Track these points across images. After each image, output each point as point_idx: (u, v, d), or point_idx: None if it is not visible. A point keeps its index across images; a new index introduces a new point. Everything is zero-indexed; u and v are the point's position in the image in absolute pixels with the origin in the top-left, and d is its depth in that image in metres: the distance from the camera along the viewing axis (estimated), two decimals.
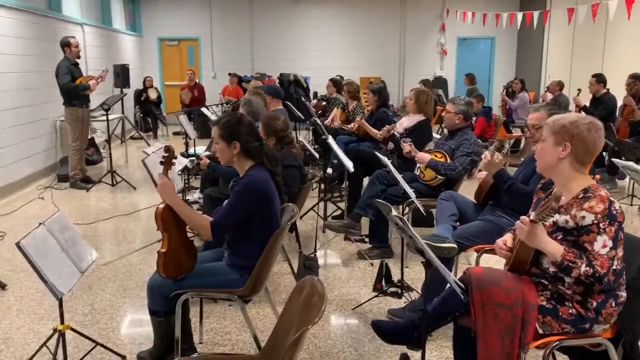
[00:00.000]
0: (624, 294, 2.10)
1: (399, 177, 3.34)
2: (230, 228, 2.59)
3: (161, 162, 2.65)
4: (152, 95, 11.47)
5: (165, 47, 13.54)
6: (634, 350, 2.14)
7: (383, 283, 3.75)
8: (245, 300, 2.63)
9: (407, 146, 4.46)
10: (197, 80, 12.07)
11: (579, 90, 7.51)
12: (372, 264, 4.26)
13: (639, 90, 6.20)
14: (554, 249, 2.00)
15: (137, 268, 4.26)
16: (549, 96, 8.84)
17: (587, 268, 1.96)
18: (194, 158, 4.50)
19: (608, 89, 6.94)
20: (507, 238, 2.37)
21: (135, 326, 3.34)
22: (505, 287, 2.10)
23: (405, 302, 3.52)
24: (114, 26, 11.13)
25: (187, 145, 6.76)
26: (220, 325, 3.31)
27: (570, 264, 1.98)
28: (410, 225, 2.08)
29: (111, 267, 4.22)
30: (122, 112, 9.67)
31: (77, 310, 3.50)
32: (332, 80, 8.56)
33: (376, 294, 3.68)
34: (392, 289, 3.70)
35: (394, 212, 2.23)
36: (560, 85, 8.87)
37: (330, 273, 4.09)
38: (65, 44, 6.57)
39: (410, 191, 3.30)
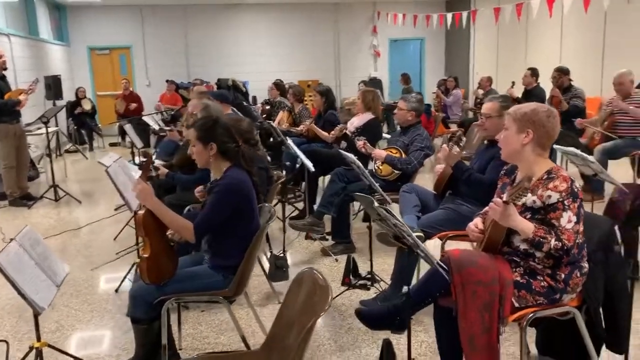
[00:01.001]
0: (586, 265, 2.31)
1: (365, 172, 3.47)
2: (213, 229, 2.61)
3: (140, 167, 2.64)
4: (86, 106, 11.08)
5: (95, 57, 13.09)
6: (597, 315, 2.37)
7: (351, 277, 3.87)
8: (230, 301, 2.66)
9: (361, 144, 4.61)
10: (131, 89, 11.76)
11: (513, 82, 7.98)
12: (337, 260, 4.37)
13: (563, 82, 6.67)
14: (526, 226, 2.19)
15: (99, 281, 4.16)
16: (481, 92, 9.32)
17: (556, 242, 2.15)
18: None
19: (538, 82, 7.44)
20: (477, 221, 2.55)
21: (109, 339, 3.28)
22: (482, 265, 2.26)
23: (375, 293, 3.66)
24: (41, 36, 10.66)
25: (133, 155, 6.63)
26: (196, 331, 3.31)
27: (541, 239, 2.16)
28: (395, 213, 2.20)
29: (72, 283, 4.09)
30: (56, 125, 9.29)
31: (44, 328, 3.37)
32: (275, 84, 8.63)
33: (345, 287, 3.79)
34: (361, 282, 3.82)
35: (376, 204, 2.34)
36: (490, 80, 9.38)
37: (299, 271, 4.15)
38: None
39: (376, 185, 3.44)
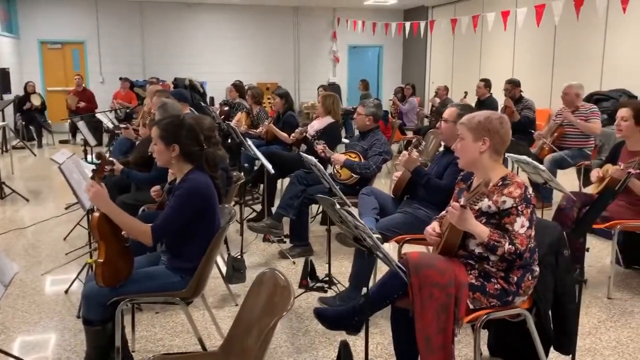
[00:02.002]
0: (537, 268, 2.41)
1: (326, 175, 3.49)
2: (173, 232, 2.56)
3: (94, 170, 2.56)
4: (36, 101, 10.68)
5: (47, 51, 12.63)
6: (547, 317, 2.47)
7: (309, 279, 3.88)
8: (187, 302, 2.62)
9: (321, 147, 4.65)
10: (84, 86, 11.42)
11: (466, 92, 8.20)
12: (294, 262, 4.37)
13: (515, 94, 6.91)
14: (481, 230, 2.26)
15: (48, 282, 4.01)
16: (437, 100, 9.54)
17: (510, 246, 2.23)
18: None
19: (491, 93, 7.68)
20: (435, 225, 2.61)
21: (58, 341, 3.16)
22: (439, 268, 2.32)
23: (332, 296, 3.68)
24: None
25: (86, 152, 6.44)
26: (150, 333, 3.24)
27: (495, 243, 2.24)
28: (356, 216, 2.23)
29: (18, 284, 3.93)
30: (3, 120, 8.92)
31: None
32: (234, 85, 8.56)
33: (303, 290, 3.80)
34: (319, 284, 3.83)
35: (337, 206, 2.36)
36: (447, 89, 9.61)
37: (255, 274, 4.10)
38: None
39: (336, 188, 3.46)
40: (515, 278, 2.34)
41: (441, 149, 3.74)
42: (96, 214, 2.47)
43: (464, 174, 2.67)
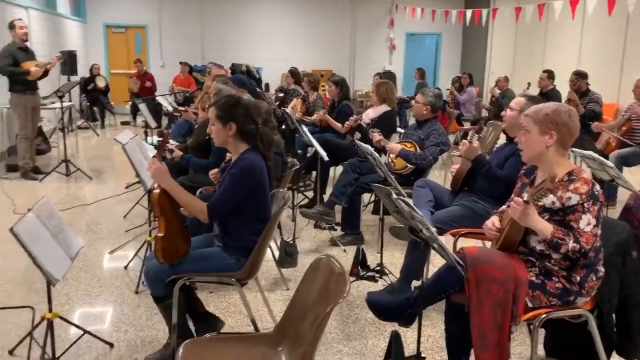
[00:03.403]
0: (602, 269, 2.30)
1: (382, 165, 3.45)
2: (227, 210, 2.60)
3: (156, 147, 2.63)
4: (100, 83, 11.09)
5: (111, 34, 13.08)
6: (610, 320, 2.36)
7: (360, 268, 3.87)
8: (241, 283, 2.67)
9: (376, 136, 4.59)
10: (145, 69, 11.76)
11: (529, 84, 7.92)
12: (345, 250, 4.37)
13: (581, 86, 6.61)
14: (545, 227, 2.17)
15: (108, 258, 4.19)
16: (497, 91, 9.26)
17: (574, 244, 2.14)
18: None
19: (555, 85, 7.38)
20: (495, 220, 2.53)
21: (118, 314, 3.30)
22: (498, 263, 2.25)
23: (383, 285, 3.66)
24: (59, 10, 10.66)
25: (146, 133, 6.64)
26: None
27: (559, 240, 2.15)
28: (413, 206, 2.19)
29: (81, 257, 4.11)
30: (70, 100, 9.31)
31: (53, 300, 3.40)
32: (290, 71, 8.59)
33: (354, 278, 3.80)
34: (369, 274, 3.82)
35: (394, 195, 2.34)
36: (507, 80, 9.32)
37: (306, 260, 4.16)
38: (10, 27, 6.28)
39: (391, 178, 3.42)
40: (579, 277, 2.25)
41: (499, 142, 3.63)
42: (157, 191, 2.54)
43: (527, 167, 2.58)
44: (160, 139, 2.67)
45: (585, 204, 2.17)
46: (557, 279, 2.27)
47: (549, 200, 2.24)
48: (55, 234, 2.62)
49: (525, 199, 2.15)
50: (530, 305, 2.26)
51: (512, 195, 2.63)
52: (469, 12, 9.98)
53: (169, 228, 2.54)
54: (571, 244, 2.14)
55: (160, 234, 2.52)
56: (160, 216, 2.55)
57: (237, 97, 2.76)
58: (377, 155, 3.46)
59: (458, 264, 2.21)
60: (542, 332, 2.82)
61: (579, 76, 6.65)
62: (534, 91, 7.87)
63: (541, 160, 2.35)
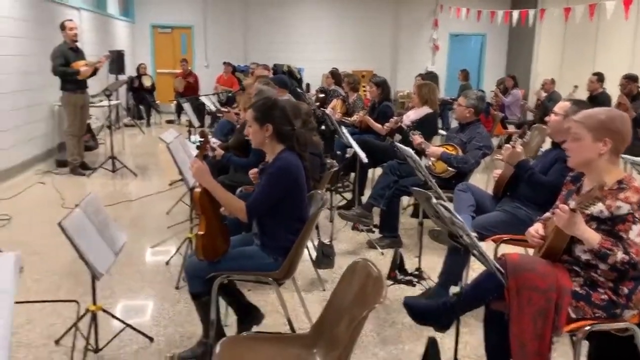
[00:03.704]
0: None
1: (422, 168, 3.41)
2: (265, 210, 2.63)
3: (197, 147, 2.69)
4: (147, 82, 11.39)
5: (157, 35, 13.41)
6: None
7: (397, 272, 3.84)
8: (279, 283, 2.69)
9: (417, 138, 4.54)
10: (190, 69, 12.00)
11: (576, 86, 7.68)
12: (382, 254, 4.35)
13: (632, 90, 6.38)
14: (592, 236, 2.10)
15: (150, 253, 4.29)
16: (543, 94, 9.02)
17: (624, 255, 2.06)
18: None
19: (604, 88, 7.14)
20: (538, 227, 2.47)
21: (158, 309, 3.37)
22: (540, 272, 2.19)
23: (420, 290, 3.62)
24: (109, 11, 11.00)
25: (190, 132, 6.77)
26: None
27: (607, 251, 2.07)
28: (453, 211, 2.16)
29: (125, 252, 4.17)
30: (117, 99, 9.59)
31: (97, 293, 3.51)
32: (331, 72, 8.61)
33: (391, 282, 3.77)
34: (407, 278, 3.78)
35: (434, 200, 2.30)
36: (553, 82, 9.07)
37: (343, 261, 4.15)
38: (62, 27, 6.51)
39: (432, 181, 3.38)
40: (626, 290, 2.17)
41: (545, 145, 3.53)
42: (198, 189, 2.59)
43: (573, 174, 2.50)
44: (202, 138, 2.71)
45: (636, 214, 2.09)
46: (603, 290, 2.19)
47: (597, 208, 2.16)
48: (100, 229, 2.71)
49: (572, 206, 2.08)
50: (573, 316, 2.19)
51: (557, 202, 2.56)
52: (515, 13, 9.76)
53: (209, 226, 2.58)
54: (620, 255, 2.06)
55: (201, 232, 2.56)
56: (201, 214, 2.59)
57: (274, 99, 2.79)
58: (417, 157, 3.42)
59: (498, 271, 2.16)
60: (585, 344, 2.73)
61: (630, 79, 6.43)
62: (582, 94, 7.63)
63: (591, 167, 2.26)
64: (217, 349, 2.02)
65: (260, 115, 2.68)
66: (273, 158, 2.70)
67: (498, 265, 2.18)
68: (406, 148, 3.64)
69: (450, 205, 2.33)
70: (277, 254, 2.65)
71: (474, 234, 3.09)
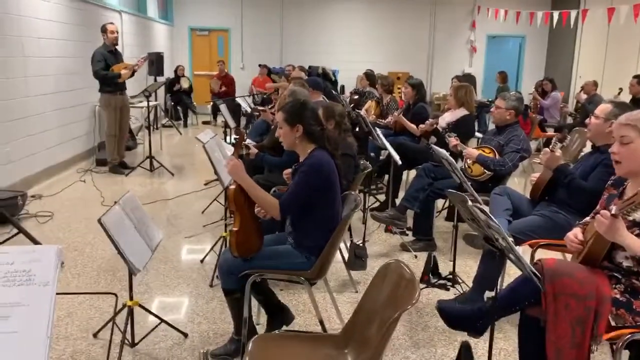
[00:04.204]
0: None
1: (457, 170, 3.37)
2: (298, 207, 2.65)
3: (233, 145, 2.72)
4: (185, 84, 11.59)
5: (195, 37, 13.64)
6: None
7: (430, 275, 3.79)
8: (311, 283, 2.70)
9: (453, 140, 4.49)
10: (226, 71, 12.16)
11: (620, 89, 7.45)
12: (416, 256, 4.31)
13: None
14: (634, 243, 2.03)
15: (186, 250, 4.37)
16: (584, 96, 8.78)
17: None
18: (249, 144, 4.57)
19: None
20: (577, 232, 2.40)
21: (193, 306, 3.43)
22: (578, 278, 2.14)
23: (454, 294, 3.57)
24: (149, 14, 11.26)
25: (225, 133, 6.86)
26: None
27: None
28: (490, 214, 2.12)
29: (160, 249, 4.29)
30: (156, 100, 9.80)
31: (134, 289, 3.59)
32: (365, 74, 8.58)
33: (424, 285, 3.73)
34: (441, 282, 3.74)
35: (469, 202, 2.27)
36: (595, 85, 8.82)
37: (376, 263, 4.14)
38: (103, 30, 6.69)
39: (467, 184, 3.33)
40: None
41: (585, 149, 3.44)
42: (233, 187, 2.63)
43: (615, 178, 2.42)
44: (237, 136, 2.75)
45: None
46: None
47: (638, 214, 2.10)
48: (138, 226, 2.77)
49: (613, 212, 2.01)
50: (613, 324, 2.12)
51: (598, 207, 2.50)
52: (556, 14, 9.53)
53: (243, 223, 2.61)
54: None
55: (235, 229, 2.59)
56: (235, 211, 2.62)
57: (303, 100, 2.81)
58: (452, 160, 3.38)
59: (535, 276, 2.12)
60: (626, 353, 2.65)
61: None
62: (626, 98, 7.39)
63: (638, 172, 2.19)
64: (249, 346, 2.03)
65: (289, 116, 2.71)
66: (305, 157, 2.71)
67: (535, 270, 2.13)
68: (441, 150, 3.60)
69: (486, 208, 2.30)
70: (310, 253, 2.66)
71: (510, 238, 3.04)
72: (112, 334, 2.72)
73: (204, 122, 12.03)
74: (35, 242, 3.99)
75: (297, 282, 2.76)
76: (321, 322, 2.76)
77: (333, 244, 2.66)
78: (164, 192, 6.17)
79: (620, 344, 2.11)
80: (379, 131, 4.67)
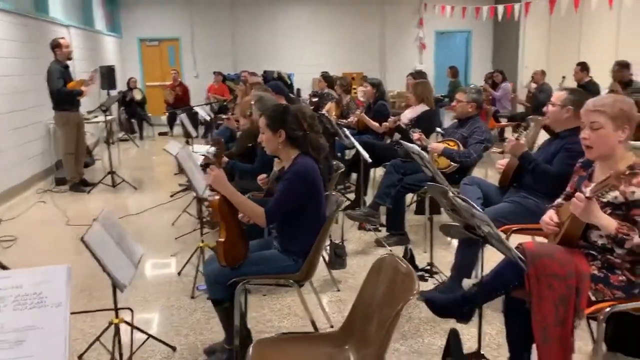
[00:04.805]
0: None
1: (429, 164, 3.46)
2: (284, 214, 2.67)
3: (214, 155, 2.72)
4: (137, 96, 11.37)
5: (145, 48, 13.40)
6: None
7: None
8: (300, 284, 2.72)
9: (417, 135, 4.60)
10: (180, 80, 12.01)
11: (564, 77, 7.79)
12: (391, 251, 4.38)
13: (624, 77, 6.49)
14: (609, 223, 2.14)
15: (161, 264, 4.31)
16: (534, 85, 9.14)
17: None
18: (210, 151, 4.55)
19: (591, 77, 7.25)
20: (552, 214, 2.52)
21: (177, 319, 3.39)
22: (558, 259, 2.25)
23: (433, 284, 3.67)
24: (96, 27, 10.99)
25: (187, 143, 6.77)
26: (259, 314, 3.40)
27: (624, 236, 2.12)
28: (472, 202, 2.21)
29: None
30: (110, 114, 9.57)
31: (111, 305, 3.52)
32: (323, 76, 8.66)
33: None
34: (419, 273, 3.83)
35: (451, 193, 2.35)
36: (544, 74, 9.18)
37: (354, 261, 4.21)
38: (56, 45, 6.49)
39: (441, 176, 3.41)
40: None
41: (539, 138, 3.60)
42: (217, 197, 2.62)
43: (583, 160, 2.55)
44: (217, 146, 2.75)
45: None
46: (620, 272, 2.25)
47: (611, 194, 2.22)
48: (118, 242, 2.72)
49: (587, 195, 2.12)
50: (593, 298, 2.24)
51: (568, 189, 2.62)
52: (500, 8, 9.87)
53: (229, 233, 2.61)
54: (636, 239, 2.11)
55: (222, 239, 2.59)
56: (221, 221, 2.62)
57: (285, 105, 2.83)
58: (425, 154, 3.47)
59: (520, 260, 2.21)
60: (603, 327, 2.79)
61: (622, 66, 6.53)
62: (570, 84, 7.74)
63: (610, 156, 2.30)
64: (250, 351, 2.05)
65: (271, 122, 2.72)
66: (289, 164, 2.73)
67: (519, 254, 2.23)
68: (412, 145, 3.69)
69: (467, 198, 2.38)
70: (297, 255, 2.69)
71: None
72: (99, 354, 2.66)
73: (161, 134, 11.83)
74: (4, 267, 3.85)
75: (285, 286, 2.78)
76: (313, 323, 2.80)
77: (319, 244, 2.70)
78: (130, 207, 6.05)
79: (602, 317, 2.23)
80: (347, 131, 4.73)
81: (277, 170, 3.09)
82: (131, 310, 3.01)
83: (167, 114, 11.39)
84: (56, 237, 5.07)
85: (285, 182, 2.67)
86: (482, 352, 2.66)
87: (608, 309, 2.23)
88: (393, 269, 1.94)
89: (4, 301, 1.19)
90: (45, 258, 4.47)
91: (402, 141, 3.88)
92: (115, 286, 2.53)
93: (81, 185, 6.79)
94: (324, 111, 7.62)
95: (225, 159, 4.35)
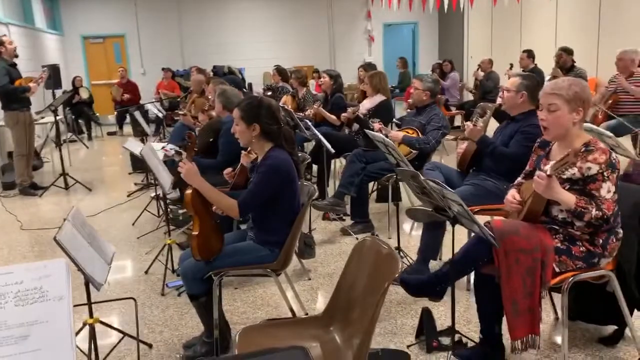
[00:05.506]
0: (620, 230, 2.45)
1: (394, 151, 3.55)
2: (257, 206, 2.69)
3: (185, 149, 2.71)
4: (84, 95, 11.01)
5: (89, 45, 12.97)
6: (631, 278, 2.51)
7: None
8: (277, 274, 2.76)
9: (377, 125, 4.70)
10: (128, 78, 11.71)
11: (511, 65, 8.10)
12: (357, 238, 4.48)
13: (566, 62, 6.82)
14: (568, 198, 2.29)
15: (126, 264, 4.24)
16: (481, 74, 9.44)
17: (597, 212, 2.26)
18: (173, 149, 4.50)
19: (536, 64, 7.58)
20: (514, 193, 2.66)
21: (149, 317, 3.36)
22: (524, 234, 2.38)
23: (401, 268, 3.78)
24: (36, 25, 10.56)
25: (143, 142, 6.65)
26: (233, 307, 3.41)
27: (583, 210, 2.27)
28: (443, 184, 2.31)
29: None
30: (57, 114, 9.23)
31: (81, 308, 3.45)
32: (277, 69, 8.65)
33: None
34: None
35: (422, 177, 2.45)
36: (491, 62, 9.50)
37: (322, 250, 4.28)
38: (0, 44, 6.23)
39: (407, 162, 3.51)
40: (601, 240, 2.39)
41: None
42: (189, 191, 2.62)
43: (540, 140, 2.71)
44: (189, 140, 2.74)
45: (605, 173, 2.30)
46: (580, 243, 2.40)
47: (569, 171, 2.37)
48: (90, 242, 2.68)
49: (548, 173, 2.25)
50: (557, 270, 2.39)
51: (527, 167, 2.77)
52: (446, 0, 10.13)
53: (203, 226, 2.61)
54: (594, 212, 2.26)
55: (195, 233, 2.60)
56: (194, 215, 2.62)
57: (260, 98, 2.83)
58: (389, 141, 3.56)
59: (491, 237, 2.32)
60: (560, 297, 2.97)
61: (565, 52, 6.84)
62: (516, 72, 8.06)
63: (565, 136, 2.44)
64: (236, 339, 2.08)
65: (246, 114, 2.73)
66: (263, 156, 2.75)
67: (489, 231, 2.35)
68: (377, 133, 3.78)
69: (437, 180, 2.47)
70: (273, 245, 2.72)
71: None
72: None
73: (110, 133, 11.52)
74: None
75: (262, 275, 2.81)
76: (292, 310, 2.85)
77: (295, 233, 2.74)
78: (86, 209, 5.87)
79: (565, 286, 2.38)
80: (309, 123, 4.78)
81: (244, 163, 3.10)
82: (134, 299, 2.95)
83: (116, 112, 11.09)
84: (12, 243, 4.89)
85: (260, 175, 2.69)
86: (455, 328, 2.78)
87: (571, 278, 2.39)
88: (375, 252, 2.01)
89: (5, 297, 1.18)
90: (5, 264, 4.31)
91: (367, 131, 3.96)
92: (92, 285, 2.49)
93: (31, 189, 6.55)
94: (281, 104, 7.65)
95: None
